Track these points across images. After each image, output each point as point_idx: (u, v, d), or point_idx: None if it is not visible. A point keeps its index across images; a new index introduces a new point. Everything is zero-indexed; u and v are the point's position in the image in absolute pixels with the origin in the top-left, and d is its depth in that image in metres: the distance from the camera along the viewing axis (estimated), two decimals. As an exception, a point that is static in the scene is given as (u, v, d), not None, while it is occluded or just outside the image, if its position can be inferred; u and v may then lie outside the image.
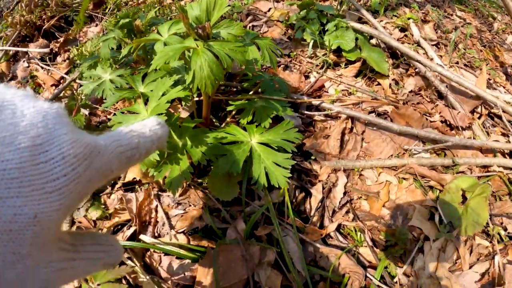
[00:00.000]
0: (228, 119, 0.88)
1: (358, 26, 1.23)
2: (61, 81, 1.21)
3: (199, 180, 0.82)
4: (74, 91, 1.10)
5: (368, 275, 0.72)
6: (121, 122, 0.65)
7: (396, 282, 0.73)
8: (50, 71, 1.26)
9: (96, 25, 1.47)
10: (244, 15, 1.41)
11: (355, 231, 0.80)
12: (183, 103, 0.91)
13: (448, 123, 1.08)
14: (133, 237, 0.74)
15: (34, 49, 1.33)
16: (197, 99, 0.90)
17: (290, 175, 0.70)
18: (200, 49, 0.57)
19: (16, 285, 0.20)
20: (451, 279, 0.72)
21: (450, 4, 1.83)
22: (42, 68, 1.28)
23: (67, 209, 0.22)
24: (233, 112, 0.87)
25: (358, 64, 1.19)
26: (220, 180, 0.76)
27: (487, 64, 1.39)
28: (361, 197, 0.87)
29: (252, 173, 0.69)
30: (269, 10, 1.46)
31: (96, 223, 0.78)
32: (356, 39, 1.20)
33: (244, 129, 0.77)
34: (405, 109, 1.06)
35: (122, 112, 0.69)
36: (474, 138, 1.04)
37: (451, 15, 1.74)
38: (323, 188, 0.85)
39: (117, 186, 0.84)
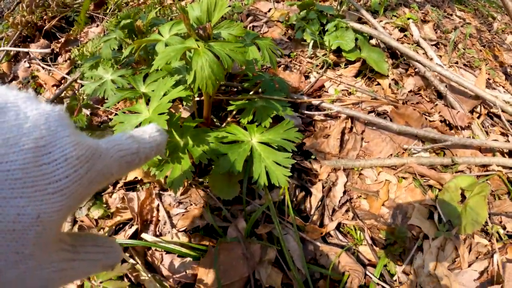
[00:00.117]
0: (228, 119, 0.88)
1: (358, 26, 1.24)
2: (62, 81, 1.22)
3: (200, 179, 0.83)
4: (76, 91, 1.11)
5: (367, 273, 0.72)
6: (123, 122, 0.66)
7: (396, 280, 0.73)
8: (51, 71, 1.26)
9: (97, 26, 1.47)
10: (244, 16, 1.42)
11: (355, 229, 0.81)
12: (184, 103, 0.92)
13: (447, 122, 1.08)
14: (135, 235, 0.75)
15: (35, 49, 1.33)
16: (197, 99, 0.91)
17: (290, 174, 0.70)
18: (201, 50, 0.57)
19: (16, 284, 0.20)
20: (450, 277, 0.73)
21: (450, 4, 1.84)
22: (43, 68, 1.29)
23: (68, 210, 0.22)
24: (234, 112, 0.88)
25: (358, 64, 1.20)
26: (221, 179, 0.77)
27: (486, 64, 1.39)
28: (360, 196, 0.88)
29: (252, 172, 0.70)
30: (269, 11, 1.47)
31: (98, 222, 0.79)
32: (356, 39, 1.20)
33: (245, 128, 0.77)
34: (404, 108, 1.06)
35: (124, 112, 0.70)
36: (473, 138, 1.05)
37: (451, 15, 1.74)
38: (323, 187, 0.86)
39: (118, 185, 0.84)
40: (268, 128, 0.77)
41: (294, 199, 0.83)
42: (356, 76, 1.20)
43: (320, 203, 0.83)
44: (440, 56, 1.34)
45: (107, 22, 1.44)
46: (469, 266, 0.77)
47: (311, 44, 1.23)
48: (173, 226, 0.76)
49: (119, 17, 0.86)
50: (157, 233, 0.76)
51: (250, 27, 1.37)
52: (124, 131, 0.32)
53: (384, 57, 1.21)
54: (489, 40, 1.61)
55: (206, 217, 0.76)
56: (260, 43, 0.76)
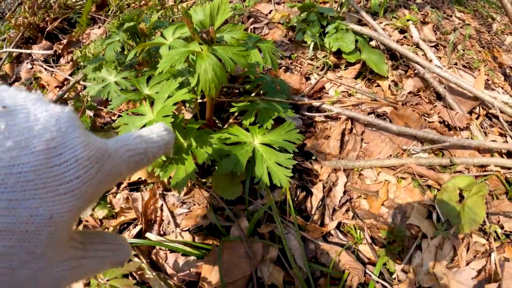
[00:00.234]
0: (231, 121, 0.90)
1: (358, 28, 1.25)
2: (65, 82, 1.23)
3: (204, 180, 0.84)
4: (79, 93, 1.12)
5: (367, 271, 0.74)
6: (127, 124, 0.67)
7: (395, 278, 0.75)
8: (53, 72, 1.28)
9: (99, 27, 1.48)
10: (245, 17, 1.43)
11: (355, 229, 0.82)
12: (187, 105, 0.93)
13: (446, 123, 1.10)
14: (139, 235, 0.76)
15: (37, 51, 1.34)
16: (200, 101, 0.92)
17: (292, 174, 0.72)
18: (205, 53, 0.58)
19: (28, 284, 0.21)
20: (448, 276, 0.74)
21: (450, 5, 1.85)
22: (45, 69, 1.30)
23: (79, 210, 0.22)
24: (236, 114, 0.89)
25: (358, 66, 1.21)
26: (224, 180, 0.78)
27: (485, 65, 1.40)
28: (360, 196, 0.89)
29: (255, 173, 0.71)
30: (270, 12, 1.48)
31: (102, 222, 0.80)
32: (356, 41, 1.22)
33: (247, 130, 0.78)
34: (404, 110, 1.07)
35: (128, 114, 0.71)
36: (471, 138, 1.06)
37: (450, 16, 1.75)
38: (324, 187, 0.87)
39: (122, 185, 0.86)
40: (270, 130, 0.79)
41: (295, 199, 0.84)
42: (356, 77, 1.21)
43: (320, 203, 0.85)
44: (440, 58, 1.35)
45: (109, 23, 1.45)
46: (467, 264, 0.78)
47: (311, 46, 1.24)
48: (177, 225, 0.78)
49: (122, 20, 0.87)
50: (161, 232, 0.78)
51: (251, 28, 1.38)
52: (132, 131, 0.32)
53: (384, 58, 1.22)
54: (488, 41, 1.62)
55: (209, 217, 0.78)
56: (262, 46, 0.77)
